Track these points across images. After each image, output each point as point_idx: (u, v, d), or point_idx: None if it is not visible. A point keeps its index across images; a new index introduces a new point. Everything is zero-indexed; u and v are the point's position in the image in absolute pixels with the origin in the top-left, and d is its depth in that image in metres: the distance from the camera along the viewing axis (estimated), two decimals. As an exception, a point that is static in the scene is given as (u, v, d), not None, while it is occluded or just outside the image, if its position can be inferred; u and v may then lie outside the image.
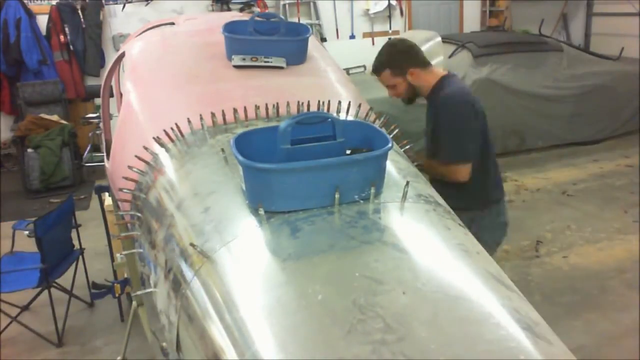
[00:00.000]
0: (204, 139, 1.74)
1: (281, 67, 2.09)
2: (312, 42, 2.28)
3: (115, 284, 2.86)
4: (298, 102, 1.87)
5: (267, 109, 1.85)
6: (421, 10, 8.67)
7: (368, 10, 8.33)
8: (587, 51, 7.60)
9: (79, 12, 7.00)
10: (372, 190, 1.38)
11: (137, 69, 2.29)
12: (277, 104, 1.87)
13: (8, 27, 6.67)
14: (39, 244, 3.17)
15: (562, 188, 5.40)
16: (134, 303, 2.91)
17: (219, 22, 2.24)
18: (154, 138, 1.81)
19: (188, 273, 1.34)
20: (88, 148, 6.71)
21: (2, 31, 6.66)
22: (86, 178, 6.51)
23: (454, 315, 1.07)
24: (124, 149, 2.07)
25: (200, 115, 1.80)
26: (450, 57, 6.18)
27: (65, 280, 3.56)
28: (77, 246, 3.66)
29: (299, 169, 1.31)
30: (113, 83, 3.39)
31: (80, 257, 3.65)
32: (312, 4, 8.06)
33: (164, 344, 1.46)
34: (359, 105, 1.95)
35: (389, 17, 8.37)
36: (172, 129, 1.79)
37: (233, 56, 2.08)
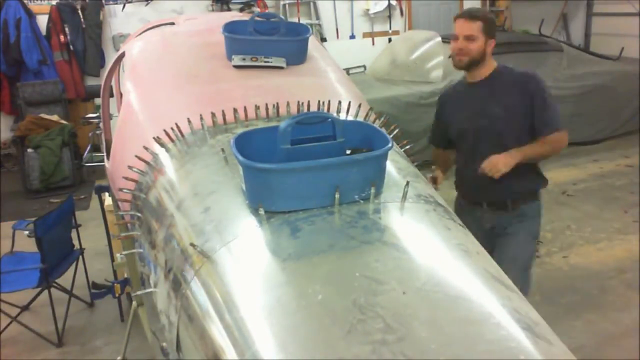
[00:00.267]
0: (204, 139, 1.74)
1: (281, 67, 2.09)
2: (312, 42, 2.28)
3: (115, 284, 2.86)
4: (298, 102, 1.87)
5: (267, 109, 1.85)
6: (421, 10, 8.67)
7: (368, 10, 8.33)
8: (587, 51, 7.60)
9: (79, 12, 7.00)
10: (372, 190, 1.38)
11: (137, 69, 2.29)
12: (277, 104, 1.87)
13: (8, 27, 6.67)
14: (39, 244, 3.17)
15: (562, 188, 5.40)
16: (134, 303, 2.91)
17: (219, 22, 2.24)
18: (154, 138, 1.81)
19: (188, 273, 1.34)
20: (88, 148, 6.71)
21: (2, 31, 6.65)
22: (86, 178, 6.51)
23: (454, 315, 1.07)
24: (124, 149, 2.07)
25: (200, 115, 1.80)
26: (450, 57, 6.17)
27: (65, 280, 3.56)
28: (77, 246, 3.66)
29: (299, 169, 1.31)
30: (113, 83, 3.38)
31: (80, 257, 3.65)
32: (312, 4, 8.05)
33: (164, 344, 1.46)
34: (359, 105, 1.95)
35: (389, 17, 8.37)
36: (172, 129, 1.79)
37: (233, 56, 2.08)
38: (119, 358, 3.06)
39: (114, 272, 3.41)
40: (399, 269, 1.18)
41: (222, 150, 1.64)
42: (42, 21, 6.97)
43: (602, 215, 4.73)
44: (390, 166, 1.51)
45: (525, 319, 1.09)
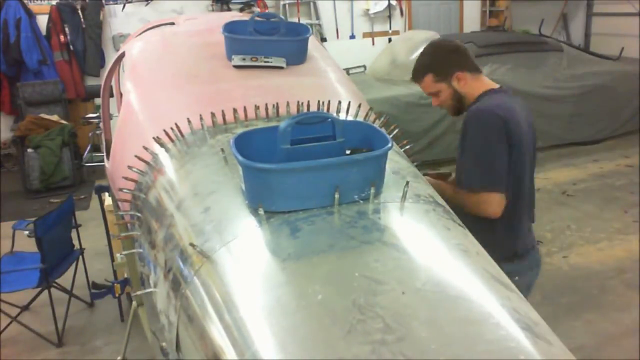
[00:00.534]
0: (204, 139, 1.74)
1: (281, 67, 2.09)
2: (312, 42, 2.28)
3: (115, 284, 2.86)
4: (298, 102, 1.87)
5: (267, 109, 1.85)
6: (421, 10, 8.67)
7: (368, 10, 8.33)
8: (587, 51, 7.60)
9: (79, 12, 7.00)
10: (372, 190, 1.38)
11: (137, 69, 2.29)
12: (277, 104, 1.87)
13: (8, 27, 6.67)
14: (39, 244, 3.17)
15: (562, 188, 5.40)
16: (134, 303, 2.91)
17: (219, 22, 2.24)
18: (154, 138, 1.81)
19: (188, 273, 1.34)
20: (88, 148, 6.71)
21: (2, 31, 6.66)
22: (86, 178, 6.51)
23: (453, 315, 1.07)
24: (124, 149, 2.07)
25: (200, 115, 1.80)
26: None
27: (65, 280, 3.56)
28: (77, 246, 3.66)
29: (298, 169, 1.31)
30: (113, 83, 3.38)
31: (80, 257, 3.65)
32: (312, 4, 8.06)
33: (164, 344, 1.46)
34: (359, 105, 1.95)
35: (389, 17, 8.37)
36: (172, 129, 1.79)
37: (233, 56, 2.08)
38: (119, 358, 3.06)
39: (114, 272, 3.41)
40: (399, 269, 1.18)
41: (222, 150, 1.63)
42: (42, 21, 6.98)
43: (602, 215, 4.73)
44: (390, 166, 1.51)
45: (524, 319, 1.09)
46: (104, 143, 3.32)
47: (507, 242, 1.97)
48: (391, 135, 1.77)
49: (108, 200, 3.37)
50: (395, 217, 1.38)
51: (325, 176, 1.32)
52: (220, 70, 2.08)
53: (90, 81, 7.22)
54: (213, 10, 7.44)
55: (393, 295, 1.10)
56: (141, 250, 1.73)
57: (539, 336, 1.06)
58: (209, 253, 1.31)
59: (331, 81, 2.18)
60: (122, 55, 2.57)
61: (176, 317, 1.34)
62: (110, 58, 6.85)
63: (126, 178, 1.83)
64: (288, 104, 1.88)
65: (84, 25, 7.05)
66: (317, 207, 1.35)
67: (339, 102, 1.92)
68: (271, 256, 1.27)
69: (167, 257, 1.48)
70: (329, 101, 1.91)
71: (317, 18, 8.09)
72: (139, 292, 1.89)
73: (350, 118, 1.88)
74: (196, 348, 1.24)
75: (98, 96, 5.14)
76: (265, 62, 2.08)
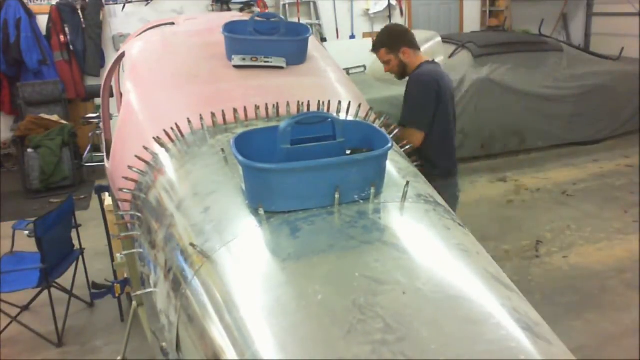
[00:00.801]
0: (204, 139, 1.74)
1: (281, 67, 2.09)
2: (312, 42, 2.28)
3: (115, 284, 2.86)
4: (298, 102, 1.87)
5: (267, 109, 1.85)
6: (421, 10, 8.67)
7: (368, 10, 8.33)
8: (587, 51, 7.60)
9: (79, 12, 7.00)
10: (372, 190, 1.38)
11: (137, 69, 2.29)
12: (277, 104, 1.87)
13: (8, 27, 6.67)
14: (39, 244, 3.17)
15: (562, 188, 5.40)
16: (134, 303, 2.91)
17: (219, 22, 2.24)
18: (154, 138, 1.81)
19: (188, 273, 1.34)
20: (88, 148, 6.71)
21: (2, 31, 6.66)
22: (86, 178, 6.51)
23: (454, 315, 1.07)
24: (124, 149, 2.07)
25: (200, 115, 1.80)
26: (450, 57, 6.18)
27: (65, 280, 3.56)
28: (77, 246, 3.66)
29: (299, 169, 1.31)
30: (113, 83, 3.38)
31: (80, 257, 3.65)
32: (312, 4, 8.06)
33: (164, 344, 1.46)
34: (359, 105, 1.95)
35: (389, 17, 8.37)
36: (172, 129, 1.79)
37: (233, 56, 2.08)
38: (119, 358, 3.06)
39: (114, 272, 3.41)
40: (399, 269, 1.18)
41: (222, 150, 1.63)
42: (42, 21, 6.98)
43: (602, 215, 4.73)
44: (390, 166, 1.51)
45: (525, 319, 1.09)
46: (104, 143, 3.32)
47: (443, 163, 2.80)
48: (391, 136, 1.77)
49: (108, 200, 3.37)
50: (395, 217, 1.38)
51: (325, 176, 1.33)
52: (220, 70, 2.08)
53: (90, 81, 7.22)
54: (213, 10, 7.44)
55: (393, 295, 1.10)
56: (141, 250, 1.73)
57: (539, 336, 1.06)
58: (209, 253, 1.31)
59: (331, 81, 2.18)
60: (122, 55, 2.57)
61: (176, 317, 1.34)
62: (110, 58, 6.85)
63: (126, 178, 1.83)
64: (288, 104, 1.88)
65: (84, 25, 7.04)
66: (317, 207, 1.35)
67: (339, 102, 1.93)
68: (271, 256, 1.27)
69: (167, 257, 1.48)
70: (329, 101, 1.91)
71: (317, 18, 8.09)
72: (139, 292, 1.89)
73: (350, 118, 1.88)
74: (196, 348, 1.24)
75: (98, 96, 5.14)
76: (265, 62, 2.08)
